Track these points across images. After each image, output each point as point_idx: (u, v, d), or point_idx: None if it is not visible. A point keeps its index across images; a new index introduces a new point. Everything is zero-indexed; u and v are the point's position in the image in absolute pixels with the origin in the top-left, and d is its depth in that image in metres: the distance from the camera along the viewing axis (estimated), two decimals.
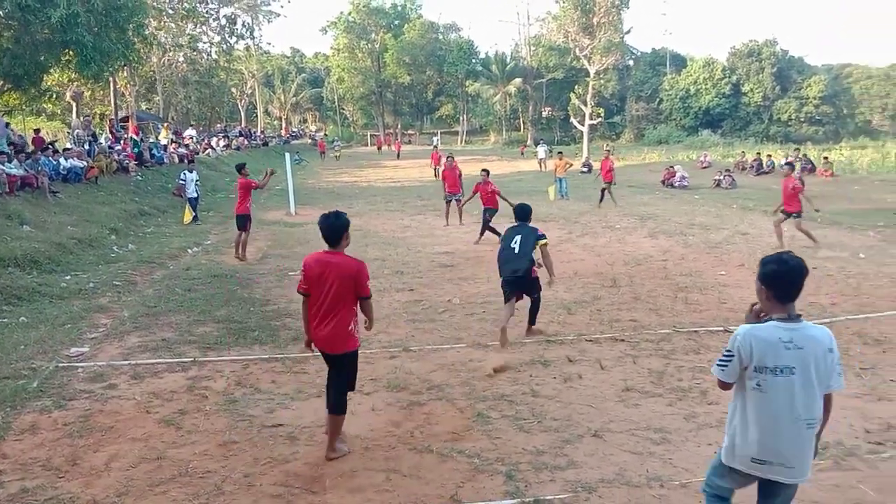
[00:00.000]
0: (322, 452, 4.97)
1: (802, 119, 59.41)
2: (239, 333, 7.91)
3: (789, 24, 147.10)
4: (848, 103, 63.18)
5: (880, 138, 54.22)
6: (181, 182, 18.40)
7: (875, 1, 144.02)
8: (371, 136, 74.49)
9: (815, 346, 3.05)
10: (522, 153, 50.41)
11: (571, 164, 25.25)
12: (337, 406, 4.89)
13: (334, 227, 4.95)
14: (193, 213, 17.96)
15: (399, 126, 79.73)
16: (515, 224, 7.82)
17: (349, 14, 70.66)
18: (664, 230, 15.23)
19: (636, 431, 5.22)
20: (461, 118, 75.46)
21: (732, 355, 3.13)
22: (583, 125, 45.66)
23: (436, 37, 73.45)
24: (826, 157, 31.60)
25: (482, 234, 14.15)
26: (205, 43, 48.07)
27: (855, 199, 20.98)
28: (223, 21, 49.12)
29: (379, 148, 58.58)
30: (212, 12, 47.10)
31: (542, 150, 38.78)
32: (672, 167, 29.07)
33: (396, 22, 73.38)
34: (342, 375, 4.94)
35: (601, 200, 20.03)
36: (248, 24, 53.17)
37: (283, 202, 20.98)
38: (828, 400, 3.14)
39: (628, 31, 55.69)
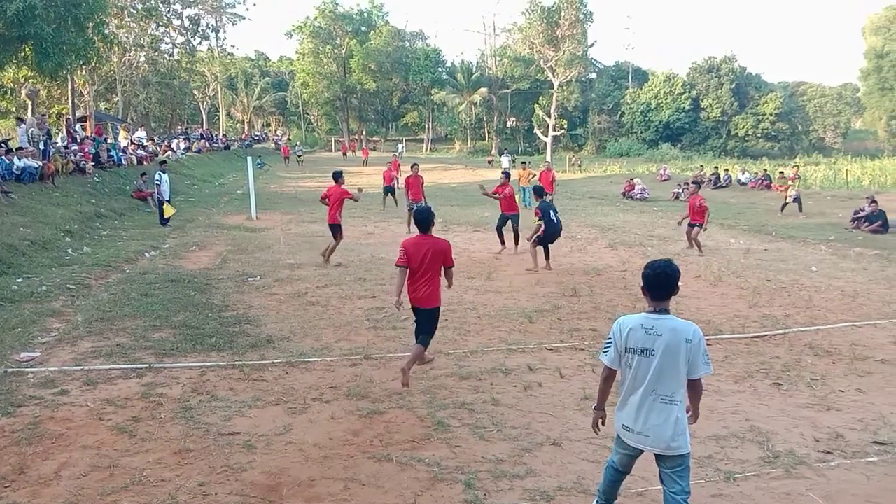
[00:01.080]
0: (280, 461, 4.92)
1: (759, 135, 61.07)
2: (196, 340, 7.77)
3: (747, 41, 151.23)
4: (802, 120, 65.15)
5: (832, 155, 56.02)
6: (157, 183, 18.01)
7: (828, 23, 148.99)
8: (336, 141, 74.10)
9: (674, 335, 3.54)
10: (490, 163, 50.70)
11: (535, 175, 25.47)
12: (423, 342, 6.56)
13: (426, 219, 6.57)
14: (172, 208, 17.77)
15: (364, 132, 79.51)
16: (545, 200, 12.24)
17: (315, 19, 70.30)
18: (624, 241, 15.46)
19: (594, 440, 5.26)
20: (426, 126, 75.61)
21: (612, 341, 3.71)
22: (546, 136, 46.18)
23: (402, 44, 73.56)
24: (781, 173, 32.47)
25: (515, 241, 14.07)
26: (167, 43, 47.38)
27: (808, 214, 21.60)
28: (186, 22, 48.50)
29: (344, 154, 58.24)
30: (175, 13, 46.44)
31: (506, 160, 39.05)
32: (632, 179, 29.58)
33: (363, 28, 73.26)
34: (429, 323, 6.61)
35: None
36: (213, 25, 52.63)
37: (244, 206, 20.73)
38: (696, 384, 3.67)
39: (592, 45, 56.68)
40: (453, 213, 21.33)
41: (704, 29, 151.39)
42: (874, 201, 19.03)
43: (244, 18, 59.77)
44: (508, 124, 68.56)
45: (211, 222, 18.75)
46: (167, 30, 46.31)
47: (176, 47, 48.56)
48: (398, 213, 20.96)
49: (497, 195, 14.04)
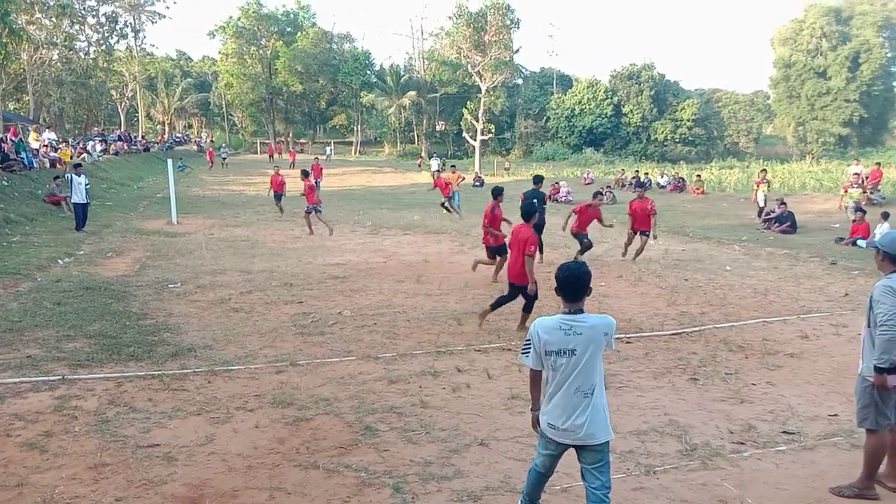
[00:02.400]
0: (202, 472, 4.78)
1: (677, 140, 63.35)
2: (113, 349, 7.47)
3: (666, 49, 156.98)
4: (718, 126, 68.00)
5: (746, 159, 58.80)
6: (81, 185, 17.10)
7: (741, 33, 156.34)
8: (261, 143, 72.60)
9: (593, 331, 3.67)
10: (420, 166, 50.80)
11: (464, 178, 25.71)
12: (527, 309, 8.47)
13: (528, 211, 8.37)
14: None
15: (291, 134, 78.18)
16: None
17: (238, 19, 68.62)
18: (550, 243, 15.72)
19: (520, 439, 5.35)
20: (355, 128, 75.03)
21: (530, 343, 3.79)
22: (475, 140, 46.63)
23: (330, 46, 72.73)
24: (699, 176, 33.90)
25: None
26: (82, 41, 45.38)
27: (723, 215, 22.58)
28: (103, 20, 46.60)
29: (270, 156, 57.11)
30: (91, 9, 44.55)
31: (435, 164, 39.22)
32: (558, 183, 30.25)
33: (289, 29, 71.99)
34: (526, 298, 8.34)
35: (448, 211, 20.95)
36: (131, 23, 50.78)
37: (164, 211, 20.08)
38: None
39: (518, 51, 57.44)
40: (383, 216, 21.27)
41: (625, 36, 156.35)
42: (783, 203, 20.05)
43: (164, 17, 57.81)
44: (438, 128, 68.81)
45: (129, 227, 18.06)
46: (82, 27, 44.38)
47: (92, 45, 46.60)
48: (326, 215, 20.73)
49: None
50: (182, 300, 9.98)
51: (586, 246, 13.37)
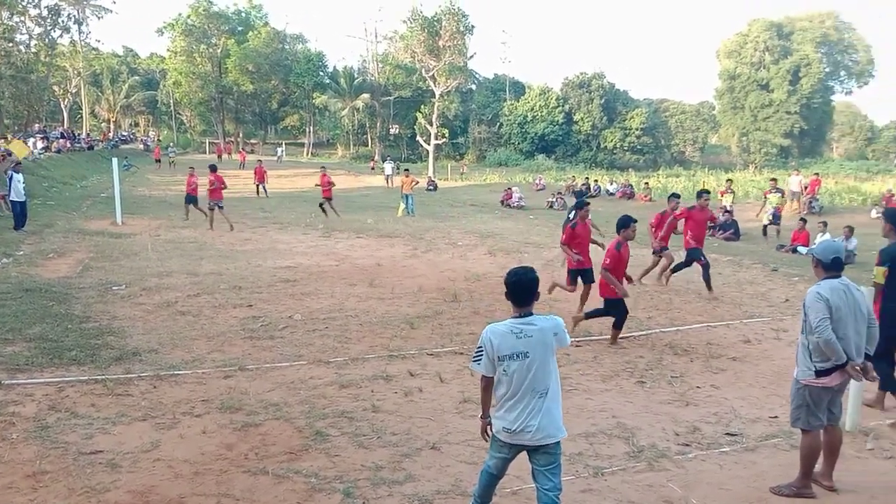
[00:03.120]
0: (147, 479, 4.67)
1: (626, 148, 64.65)
2: (54, 353, 7.22)
3: (616, 59, 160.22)
4: (665, 135, 69.69)
5: (692, 168, 60.39)
6: (18, 182, 16.45)
7: (688, 45, 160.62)
8: (210, 143, 71.20)
9: (543, 333, 3.75)
10: (373, 168, 50.60)
11: (418, 182, 25.75)
12: (618, 326, 8.30)
13: (622, 223, 8.22)
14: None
15: (241, 134, 76.92)
16: None
17: (188, 17, 67.24)
18: (502, 248, 15.89)
19: (472, 442, 5.37)
20: (308, 130, 74.30)
21: (482, 350, 3.80)
22: (429, 144, 46.72)
23: (282, 46, 71.87)
24: (647, 183, 34.72)
25: None
26: (23, 34, 43.79)
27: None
28: (45, 12, 45.07)
29: (219, 156, 56.04)
30: (32, 1, 43.04)
31: (388, 167, 39.13)
32: (510, 188, 30.54)
33: (240, 28, 70.88)
34: (615, 314, 8.23)
35: (325, 214, 20.72)
36: (75, 17, 49.25)
37: (109, 211, 19.51)
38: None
39: (472, 57, 57.80)
40: (336, 219, 21.10)
41: (577, 45, 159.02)
42: (728, 211, 20.66)
43: (110, 12, 56.23)
44: (391, 131, 68.66)
45: (72, 227, 17.49)
46: (22, 19, 42.81)
47: (33, 38, 45.00)
48: (277, 218, 20.50)
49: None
50: (127, 303, 9.72)
51: (705, 267, 10.89)
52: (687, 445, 5.50)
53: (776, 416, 6.08)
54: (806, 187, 26.88)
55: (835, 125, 76.42)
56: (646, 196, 31.84)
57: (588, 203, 10.00)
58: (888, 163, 66.35)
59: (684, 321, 9.53)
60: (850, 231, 16.03)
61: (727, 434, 5.73)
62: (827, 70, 66.15)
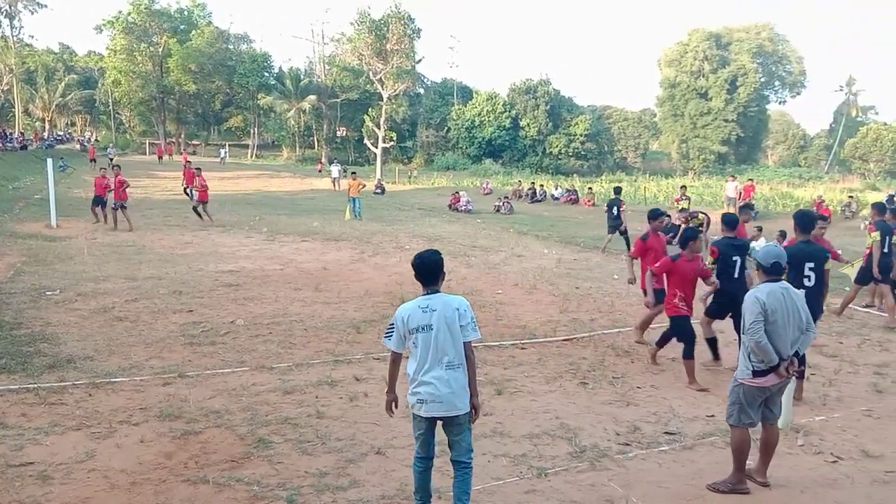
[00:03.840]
0: (81, 491, 4.52)
1: (570, 153, 65.69)
2: None
3: (561, 66, 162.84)
4: (608, 141, 71.17)
5: (633, 173, 61.84)
6: None
7: (631, 52, 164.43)
8: (151, 144, 69.30)
9: (445, 307, 4.06)
10: (320, 171, 50.06)
11: (364, 185, 25.58)
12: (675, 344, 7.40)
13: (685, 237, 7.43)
14: None
15: (183, 135, 75.12)
16: None
17: (128, 14, 65.35)
18: (450, 251, 15.92)
19: None
20: (252, 131, 73.08)
21: (394, 327, 4.15)
22: (376, 147, 46.53)
23: (226, 46, 70.51)
24: (590, 188, 35.38)
25: None
26: None
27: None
28: None
29: (160, 157, 54.59)
30: None
31: (335, 170, 38.81)
32: (458, 192, 30.63)
33: (182, 27, 69.25)
34: (674, 334, 7.42)
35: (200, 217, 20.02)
36: (7, 11, 47.37)
37: (43, 213, 18.79)
38: (468, 348, 4.09)
39: (420, 61, 57.88)
40: (280, 222, 20.81)
41: (523, 52, 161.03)
42: (667, 215, 21.16)
43: (44, 7, 54.27)
44: (338, 133, 68.09)
45: (3, 230, 16.77)
46: None
47: None
48: (220, 220, 20.09)
49: None
50: (61, 308, 9.38)
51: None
52: (627, 445, 5.62)
53: (713, 415, 6.27)
54: (741, 193, 27.84)
55: (770, 133, 79.53)
56: (589, 200, 32.49)
57: (660, 213, 9.42)
58: (819, 170, 69.39)
59: (626, 323, 9.73)
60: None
61: (666, 433, 5.88)
62: (762, 80, 68.84)
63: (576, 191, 35.68)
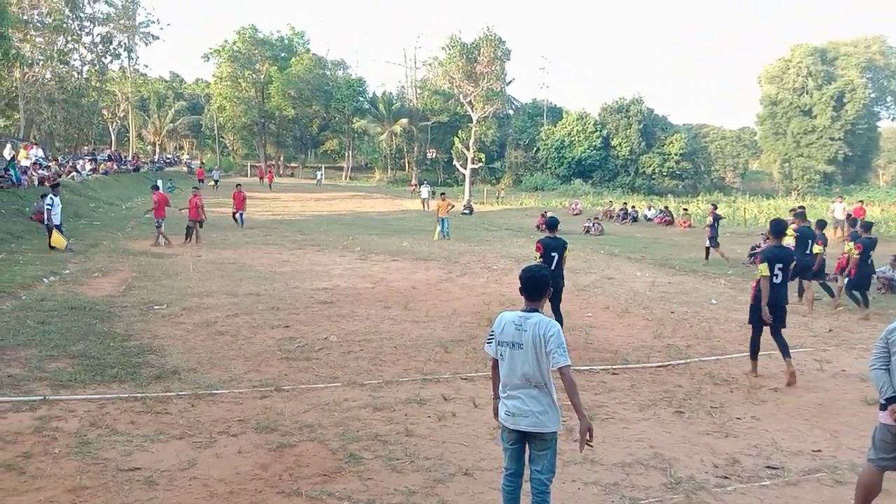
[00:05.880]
0: (183, 497, 4.72)
1: (665, 173, 64.06)
2: (96, 370, 7.39)
3: (655, 84, 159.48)
4: (705, 160, 68.93)
5: (732, 194, 59.49)
6: (48, 207, 17.00)
7: (728, 70, 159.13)
8: (252, 166, 72.71)
9: (536, 331, 4.05)
10: (412, 192, 50.94)
11: (454, 206, 25.84)
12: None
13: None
14: (66, 239, 16.79)
15: (282, 158, 78.38)
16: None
17: (234, 43, 69.18)
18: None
19: None
20: (347, 154, 75.40)
21: (493, 334, 4.23)
22: (465, 168, 46.95)
23: (323, 72, 73.30)
24: (686, 210, 34.27)
25: None
26: (76, 60, 45.54)
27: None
28: (97, 39, 46.83)
29: (261, 179, 57.18)
30: (85, 29, 44.77)
31: (425, 191, 39.39)
32: (546, 213, 30.38)
33: (283, 54, 72.58)
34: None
35: (187, 237, 19.55)
36: (125, 44, 51.01)
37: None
38: (563, 375, 4.05)
39: (510, 82, 58.24)
40: (372, 241, 21.28)
41: (615, 71, 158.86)
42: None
43: (157, 38, 58.18)
44: (428, 155, 69.26)
45: (116, 247, 17.97)
46: (76, 46, 44.55)
47: (85, 65, 46.76)
48: (315, 240, 20.74)
49: None
50: (167, 322, 9.91)
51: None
52: (726, 478, 5.36)
53: (819, 450, 5.90)
54: (849, 215, 26.22)
55: (881, 152, 74.76)
56: (685, 222, 31.43)
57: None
58: None
59: (724, 350, 9.34)
60: None
61: (768, 467, 5.57)
62: (872, 96, 64.89)
63: (670, 212, 34.64)
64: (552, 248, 9.72)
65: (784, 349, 7.97)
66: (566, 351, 4.07)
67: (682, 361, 8.71)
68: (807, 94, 64.05)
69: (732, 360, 8.82)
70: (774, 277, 7.95)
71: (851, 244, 12.54)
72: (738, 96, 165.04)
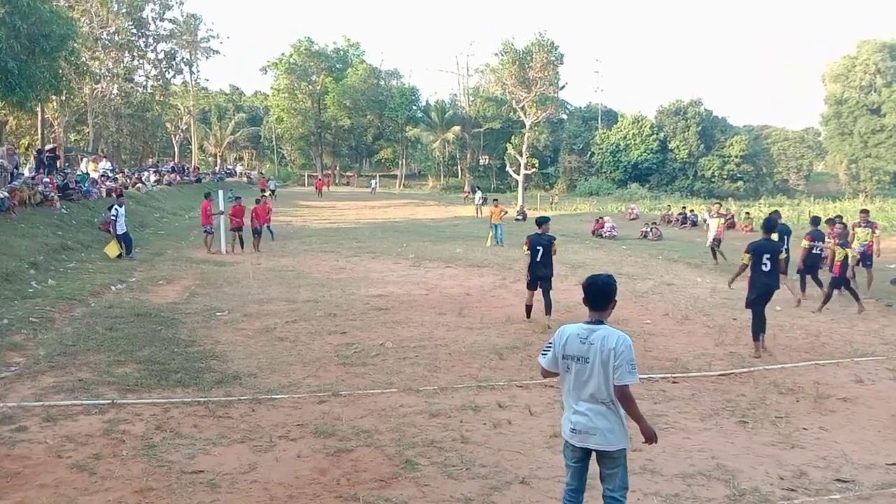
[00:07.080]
0: (244, 500, 4.83)
1: (725, 176, 62.54)
2: (161, 375, 7.63)
3: (713, 85, 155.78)
4: (767, 162, 66.98)
5: (796, 197, 57.57)
6: (112, 217, 17.72)
7: (790, 70, 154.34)
8: (309, 176, 74.09)
9: (603, 344, 3.84)
10: (466, 198, 51.00)
11: (506, 212, 25.75)
12: None
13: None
14: (122, 249, 17.40)
15: (338, 167, 79.64)
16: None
17: (290, 56, 70.76)
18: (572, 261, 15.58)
19: (562, 478, 5.21)
20: (400, 162, 76.07)
21: (552, 345, 4.04)
22: (518, 174, 46.79)
23: (377, 82, 74.24)
24: (748, 213, 33.32)
25: None
26: (141, 76, 47.34)
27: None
28: (161, 55, 48.56)
29: (318, 189, 58.17)
30: (150, 45, 46.52)
31: (477, 197, 39.37)
32: (601, 218, 29.99)
33: (338, 65, 73.84)
34: None
35: (241, 245, 20.00)
36: (187, 59, 52.72)
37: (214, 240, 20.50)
38: (622, 392, 3.85)
39: (563, 87, 57.71)
40: (426, 248, 21.38)
41: (671, 73, 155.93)
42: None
43: (217, 52, 59.90)
44: (481, 162, 69.28)
45: (179, 256, 18.55)
46: (141, 62, 46.30)
47: (149, 80, 48.53)
48: (370, 247, 20.97)
49: None
50: (229, 328, 10.16)
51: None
52: (793, 490, 5.17)
53: (894, 463, 5.63)
54: None
55: None
56: (747, 226, 30.50)
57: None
58: None
59: (790, 358, 9.02)
60: None
61: (838, 480, 5.35)
62: None
63: (732, 215, 33.66)
64: (537, 243, 10.66)
65: (763, 327, 9.23)
66: (635, 368, 3.85)
67: (746, 370, 8.45)
68: (875, 91, 61.60)
69: (799, 370, 8.51)
70: (763, 266, 9.09)
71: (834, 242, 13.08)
72: (801, 96, 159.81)
